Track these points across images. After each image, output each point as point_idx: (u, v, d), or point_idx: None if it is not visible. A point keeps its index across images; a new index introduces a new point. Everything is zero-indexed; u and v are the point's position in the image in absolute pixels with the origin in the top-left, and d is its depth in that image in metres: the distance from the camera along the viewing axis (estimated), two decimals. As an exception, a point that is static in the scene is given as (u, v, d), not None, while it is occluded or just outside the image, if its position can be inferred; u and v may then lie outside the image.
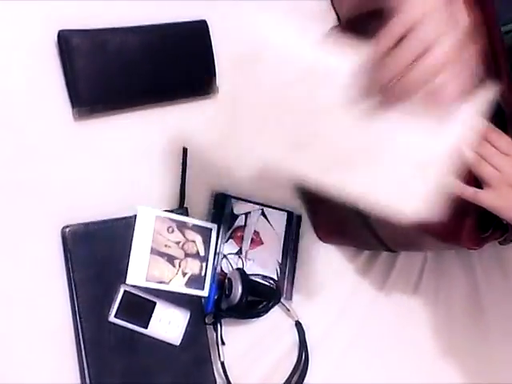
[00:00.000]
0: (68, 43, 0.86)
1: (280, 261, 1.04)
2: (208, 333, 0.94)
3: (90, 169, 0.90)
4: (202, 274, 0.95)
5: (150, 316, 0.89)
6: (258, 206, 1.04)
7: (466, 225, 0.86)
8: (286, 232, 1.06)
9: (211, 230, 0.97)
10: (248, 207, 1.02)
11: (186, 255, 0.93)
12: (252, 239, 1.02)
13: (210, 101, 1.00)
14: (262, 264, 1.02)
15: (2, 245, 0.82)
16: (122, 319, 0.87)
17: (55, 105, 0.87)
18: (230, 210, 1.00)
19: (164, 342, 0.89)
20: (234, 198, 1.01)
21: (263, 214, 1.04)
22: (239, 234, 1.01)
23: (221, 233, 0.98)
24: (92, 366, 0.84)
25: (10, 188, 0.84)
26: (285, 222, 1.06)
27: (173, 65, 0.95)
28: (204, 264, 0.95)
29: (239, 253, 1.00)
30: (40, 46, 0.86)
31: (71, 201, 0.88)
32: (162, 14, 0.94)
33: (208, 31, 0.98)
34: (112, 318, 0.86)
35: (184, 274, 0.93)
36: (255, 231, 1.03)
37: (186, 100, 0.97)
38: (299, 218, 1.08)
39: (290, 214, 1.07)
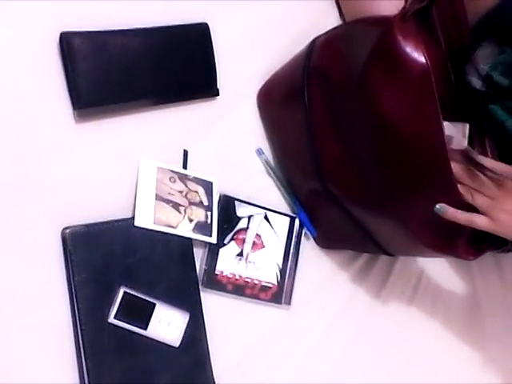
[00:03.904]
0: (69, 45, 0.87)
1: (281, 265, 1.04)
2: (208, 334, 0.93)
3: (91, 170, 0.90)
4: (208, 221, 0.95)
5: (150, 317, 0.88)
6: (261, 210, 1.04)
7: (462, 236, 0.87)
8: (287, 237, 1.06)
9: (212, 183, 0.98)
10: (251, 210, 1.02)
11: (190, 203, 0.94)
12: (254, 242, 1.02)
13: (210, 103, 1.00)
14: (263, 267, 1.02)
15: (2, 246, 0.82)
16: (122, 320, 0.86)
17: (56, 106, 0.88)
18: (234, 212, 1.00)
19: (163, 343, 0.89)
20: (238, 200, 1.01)
21: (266, 217, 1.04)
22: (241, 237, 1.01)
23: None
24: (91, 367, 0.84)
25: (11, 189, 0.84)
26: (287, 227, 1.06)
27: (174, 67, 0.95)
28: (209, 213, 0.96)
29: (240, 255, 1.00)
30: (42, 48, 0.87)
31: (71, 202, 0.88)
32: (164, 17, 0.95)
33: (209, 34, 0.98)
34: (111, 320, 0.86)
35: (190, 221, 0.93)
36: (257, 234, 1.03)
37: (187, 102, 0.98)
38: (302, 223, 1.07)
39: (292, 220, 1.06)
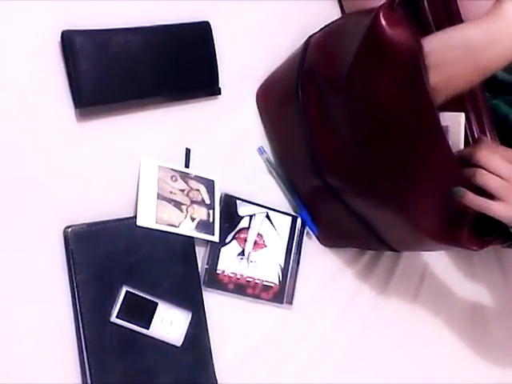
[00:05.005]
0: (71, 43, 0.87)
1: (282, 265, 1.04)
2: (210, 333, 0.93)
3: (93, 169, 0.90)
4: (210, 220, 0.95)
5: (152, 317, 0.88)
6: (263, 209, 1.03)
7: (465, 226, 0.86)
8: (289, 236, 1.06)
9: (213, 181, 0.98)
10: (253, 209, 1.02)
11: (192, 202, 0.94)
12: (255, 241, 1.02)
13: (212, 102, 1.00)
14: (264, 267, 1.02)
15: (4, 245, 0.82)
16: (124, 320, 0.86)
17: (58, 105, 0.88)
18: (235, 211, 1.00)
19: (165, 342, 0.89)
20: (240, 199, 1.01)
21: (268, 217, 1.04)
22: (242, 236, 1.01)
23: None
24: (93, 366, 0.84)
25: (12, 188, 0.83)
26: (289, 226, 1.06)
27: (176, 66, 0.95)
28: (211, 211, 0.96)
29: (242, 254, 1.00)
30: (43, 46, 0.87)
31: (73, 201, 0.88)
32: (166, 15, 0.95)
33: (211, 32, 0.98)
34: (114, 319, 0.86)
35: (192, 219, 0.93)
36: (259, 234, 1.03)
37: (189, 101, 0.98)
38: (304, 222, 1.07)
39: (294, 219, 1.06)
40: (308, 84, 0.95)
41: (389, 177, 0.87)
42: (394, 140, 0.84)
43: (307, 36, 0.98)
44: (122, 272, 0.87)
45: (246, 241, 1.01)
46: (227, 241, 0.99)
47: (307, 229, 1.07)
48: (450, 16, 0.88)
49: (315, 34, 0.96)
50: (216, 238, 0.96)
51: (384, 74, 0.80)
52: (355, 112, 0.87)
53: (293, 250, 1.05)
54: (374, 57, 0.81)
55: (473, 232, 0.86)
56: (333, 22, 0.94)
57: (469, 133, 0.90)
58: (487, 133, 0.90)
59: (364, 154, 0.89)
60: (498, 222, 0.83)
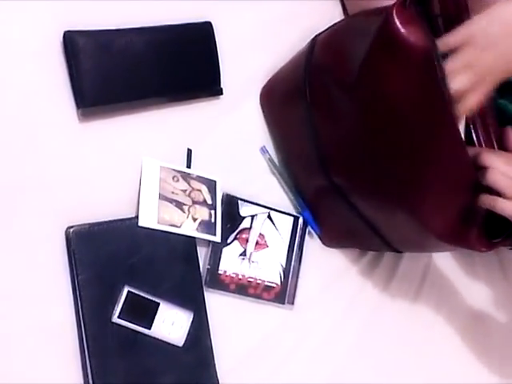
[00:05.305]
0: (73, 44, 0.87)
1: (284, 265, 1.04)
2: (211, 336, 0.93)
3: (95, 169, 0.90)
4: (212, 220, 0.96)
5: (154, 317, 0.88)
6: (264, 209, 1.03)
7: (474, 227, 0.86)
8: (291, 236, 1.06)
9: (215, 182, 0.98)
10: (255, 210, 1.02)
11: (194, 202, 0.94)
12: (257, 242, 1.02)
13: (214, 102, 1.01)
14: (266, 267, 1.02)
15: (6, 245, 0.82)
16: (126, 320, 0.86)
17: (60, 105, 0.88)
18: (237, 212, 1.00)
19: (167, 342, 0.89)
20: (241, 199, 1.01)
21: (269, 217, 1.04)
22: (244, 236, 1.01)
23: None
24: (95, 366, 0.84)
25: (15, 188, 0.84)
26: (291, 227, 1.06)
27: (178, 66, 0.95)
28: (213, 212, 0.96)
29: (243, 254, 1.00)
30: (45, 47, 0.87)
31: (75, 201, 0.88)
32: (168, 16, 0.95)
33: (213, 33, 0.98)
34: (115, 319, 0.86)
35: (194, 220, 0.93)
36: (261, 234, 1.02)
37: (191, 101, 0.98)
38: (305, 223, 1.07)
39: (296, 219, 1.06)
40: (315, 83, 0.95)
41: (398, 177, 0.87)
42: (404, 140, 0.84)
43: (310, 36, 0.98)
44: (123, 272, 0.87)
45: (247, 241, 1.01)
46: (229, 241, 0.99)
47: (309, 228, 1.07)
48: (460, 17, 0.87)
49: (321, 33, 0.96)
50: (218, 239, 0.96)
51: (396, 73, 0.80)
52: (364, 111, 0.87)
53: (294, 250, 1.05)
54: (386, 56, 0.81)
55: (482, 233, 0.86)
56: (340, 22, 0.93)
57: (473, 131, 0.90)
58: (491, 131, 0.90)
59: (372, 153, 0.89)
60: (507, 224, 0.83)
